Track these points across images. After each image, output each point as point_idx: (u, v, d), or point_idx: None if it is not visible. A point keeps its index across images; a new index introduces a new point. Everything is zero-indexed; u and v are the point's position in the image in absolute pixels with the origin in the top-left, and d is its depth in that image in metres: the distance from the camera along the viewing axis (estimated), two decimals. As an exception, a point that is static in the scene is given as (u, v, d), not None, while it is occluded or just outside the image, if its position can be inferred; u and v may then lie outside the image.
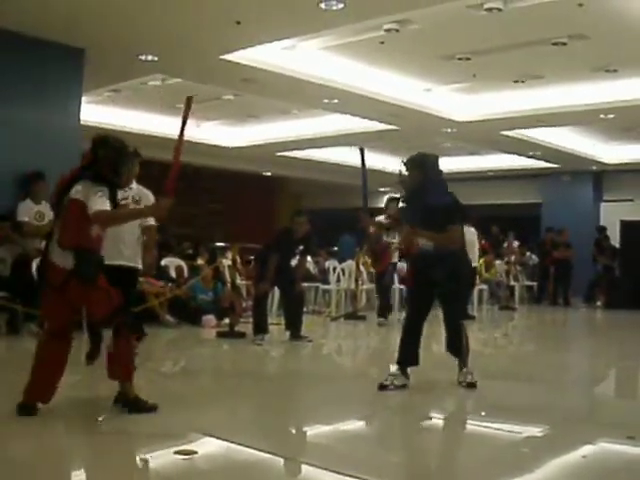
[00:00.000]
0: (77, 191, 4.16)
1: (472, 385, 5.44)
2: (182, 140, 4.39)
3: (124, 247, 5.73)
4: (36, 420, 4.08)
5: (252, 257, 9.97)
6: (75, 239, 4.12)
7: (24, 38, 8.09)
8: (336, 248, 15.15)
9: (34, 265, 7.73)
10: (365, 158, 6.09)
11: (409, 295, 6.05)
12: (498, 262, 15.11)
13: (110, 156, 4.29)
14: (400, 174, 5.49)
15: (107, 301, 4.18)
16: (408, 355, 5.46)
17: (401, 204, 5.98)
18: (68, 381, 4.44)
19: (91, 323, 4.39)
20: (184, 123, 4.42)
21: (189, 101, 4.49)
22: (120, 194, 6.21)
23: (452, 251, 5.42)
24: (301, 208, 8.80)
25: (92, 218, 4.06)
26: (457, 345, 5.51)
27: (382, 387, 5.31)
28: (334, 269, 12.38)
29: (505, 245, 16.22)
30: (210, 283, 10.14)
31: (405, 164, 5.49)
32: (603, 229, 16.51)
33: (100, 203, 4.06)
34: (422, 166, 5.45)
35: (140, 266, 5.98)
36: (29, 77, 8.25)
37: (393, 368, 5.48)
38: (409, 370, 5.45)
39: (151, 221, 6.01)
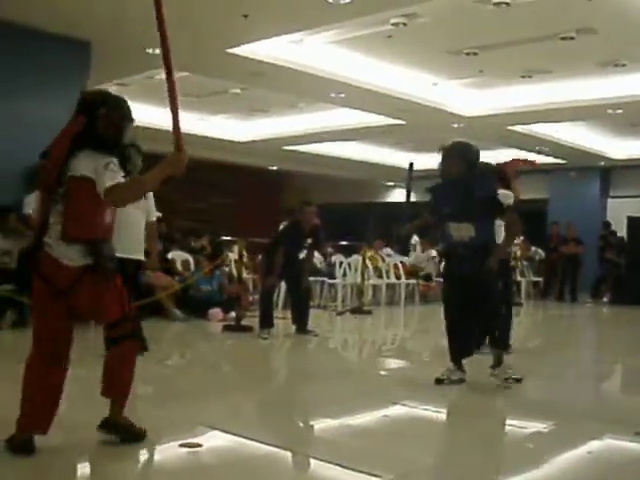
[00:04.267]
0: (79, 166, 3.27)
1: None
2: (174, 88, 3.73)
3: (134, 237, 5.68)
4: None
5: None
6: (87, 229, 3.30)
7: (30, 31, 8.12)
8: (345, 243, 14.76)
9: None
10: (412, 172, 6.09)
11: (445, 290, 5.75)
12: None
13: (113, 116, 3.48)
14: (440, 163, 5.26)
15: (120, 303, 3.46)
16: (458, 348, 5.47)
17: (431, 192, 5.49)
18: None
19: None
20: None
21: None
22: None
23: (486, 242, 5.29)
24: (309, 199, 8.73)
25: (104, 197, 3.21)
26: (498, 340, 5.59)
27: (438, 381, 5.37)
28: (340, 263, 12.40)
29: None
30: (209, 274, 10.06)
31: (446, 152, 5.26)
32: (608, 224, 16.45)
33: (111, 177, 3.21)
34: (466, 155, 5.24)
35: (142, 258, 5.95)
36: (35, 70, 8.26)
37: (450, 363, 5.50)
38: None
39: (152, 217, 6.01)
